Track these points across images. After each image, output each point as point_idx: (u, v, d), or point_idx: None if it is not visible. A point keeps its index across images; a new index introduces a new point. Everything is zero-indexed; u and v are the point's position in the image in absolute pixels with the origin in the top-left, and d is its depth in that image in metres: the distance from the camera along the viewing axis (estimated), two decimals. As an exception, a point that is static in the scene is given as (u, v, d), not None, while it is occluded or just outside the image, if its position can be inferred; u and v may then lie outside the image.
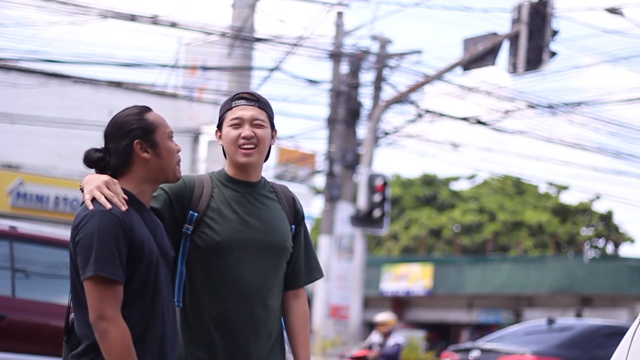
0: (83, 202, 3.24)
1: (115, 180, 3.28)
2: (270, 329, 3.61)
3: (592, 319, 13.14)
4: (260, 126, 3.60)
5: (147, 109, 3.36)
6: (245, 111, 3.60)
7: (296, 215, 3.74)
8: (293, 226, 3.72)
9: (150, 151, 3.30)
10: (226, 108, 3.64)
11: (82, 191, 3.26)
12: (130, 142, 3.28)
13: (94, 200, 3.20)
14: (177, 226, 3.54)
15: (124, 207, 3.21)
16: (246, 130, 3.58)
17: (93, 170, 3.35)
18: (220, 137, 3.67)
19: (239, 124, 3.59)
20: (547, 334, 10.61)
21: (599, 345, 10.08)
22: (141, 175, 3.31)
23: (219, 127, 3.66)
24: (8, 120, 18.06)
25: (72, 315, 3.31)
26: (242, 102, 3.63)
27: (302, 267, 3.76)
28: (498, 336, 11.44)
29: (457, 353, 11.09)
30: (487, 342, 11.09)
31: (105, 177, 3.27)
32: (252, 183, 3.66)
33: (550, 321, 10.83)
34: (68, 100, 19.54)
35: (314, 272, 3.80)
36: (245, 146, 3.58)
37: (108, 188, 3.23)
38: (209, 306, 3.53)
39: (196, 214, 3.55)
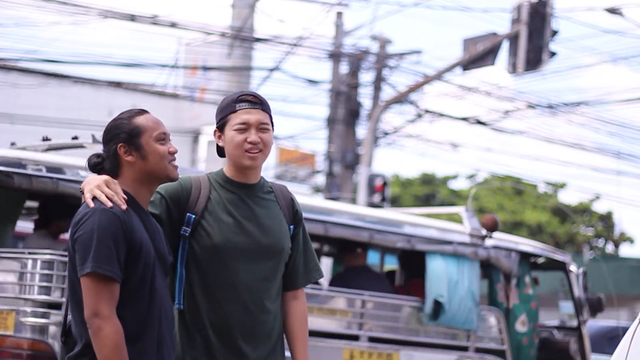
0: (84, 202, 3.25)
1: (115, 180, 3.30)
2: (269, 330, 3.61)
3: (605, 320, 13.18)
4: (266, 130, 3.59)
5: (139, 113, 3.36)
6: (251, 115, 3.57)
7: (295, 215, 3.73)
8: (292, 226, 3.71)
9: (135, 154, 3.30)
10: (230, 110, 3.59)
11: (82, 192, 3.27)
12: (115, 146, 3.30)
13: (94, 199, 3.21)
14: (175, 229, 3.54)
15: (124, 206, 3.22)
16: (253, 136, 3.56)
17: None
18: (220, 137, 3.65)
19: (245, 128, 3.56)
20: None
21: (613, 346, 10.15)
22: (132, 177, 3.32)
23: (221, 128, 3.64)
24: (8, 120, 18.06)
25: (69, 317, 3.32)
26: (247, 105, 3.58)
27: (300, 268, 3.76)
28: None
29: None
30: None
31: (105, 177, 3.29)
32: (251, 185, 3.64)
33: (563, 323, 10.94)
34: (68, 100, 19.54)
35: (312, 273, 3.80)
36: (252, 151, 3.56)
37: (108, 187, 3.24)
38: (206, 308, 3.53)
39: (194, 216, 3.54)
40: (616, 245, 37.01)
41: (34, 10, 16.72)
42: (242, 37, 17.57)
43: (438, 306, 7.18)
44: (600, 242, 37.29)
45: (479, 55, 17.04)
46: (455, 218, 9.13)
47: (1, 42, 26.25)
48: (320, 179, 23.94)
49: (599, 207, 36.59)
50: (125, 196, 3.26)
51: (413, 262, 7.73)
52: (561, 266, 8.53)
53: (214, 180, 3.64)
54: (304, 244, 3.78)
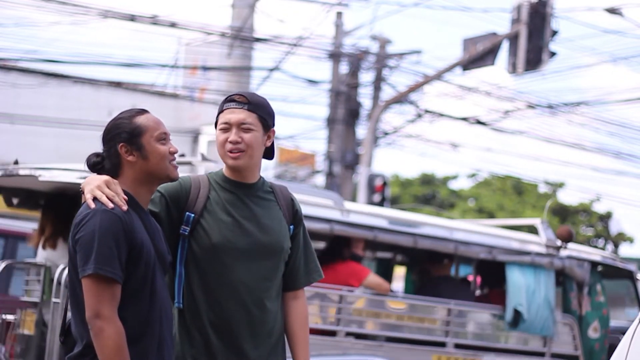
0: (84, 202, 3.25)
1: (115, 181, 3.29)
2: (269, 329, 3.61)
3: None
4: (248, 130, 3.57)
5: (140, 112, 3.36)
6: (234, 114, 3.58)
7: (295, 215, 3.73)
8: (292, 226, 3.71)
9: (136, 154, 3.31)
10: (219, 110, 3.64)
11: (82, 192, 3.27)
12: (116, 146, 3.30)
13: (95, 199, 3.21)
14: (174, 228, 3.54)
15: (124, 207, 3.22)
16: (233, 135, 3.56)
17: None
18: None
19: (227, 128, 3.58)
20: None
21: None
22: (132, 177, 3.33)
23: (215, 128, 3.67)
24: (8, 120, 18.06)
25: (69, 316, 3.31)
26: (232, 104, 3.60)
27: (301, 268, 3.76)
28: None
29: None
30: None
31: (105, 177, 3.29)
32: (249, 184, 3.65)
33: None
34: (68, 100, 19.54)
35: (313, 273, 3.80)
36: (233, 151, 3.57)
37: (109, 187, 3.24)
38: (206, 308, 3.53)
39: (193, 215, 3.55)
40: (616, 245, 36.99)
41: (34, 10, 16.72)
42: (242, 37, 17.57)
43: (517, 314, 7.53)
44: (600, 242, 37.27)
45: (479, 55, 17.04)
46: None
47: (1, 42, 26.27)
48: (320, 179, 23.93)
49: (599, 207, 36.60)
50: (125, 197, 3.26)
51: (492, 272, 8.08)
52: (628, 275, 8.84)
53: (213, 180, 3.65)
54: (304, 244, 3.78)
